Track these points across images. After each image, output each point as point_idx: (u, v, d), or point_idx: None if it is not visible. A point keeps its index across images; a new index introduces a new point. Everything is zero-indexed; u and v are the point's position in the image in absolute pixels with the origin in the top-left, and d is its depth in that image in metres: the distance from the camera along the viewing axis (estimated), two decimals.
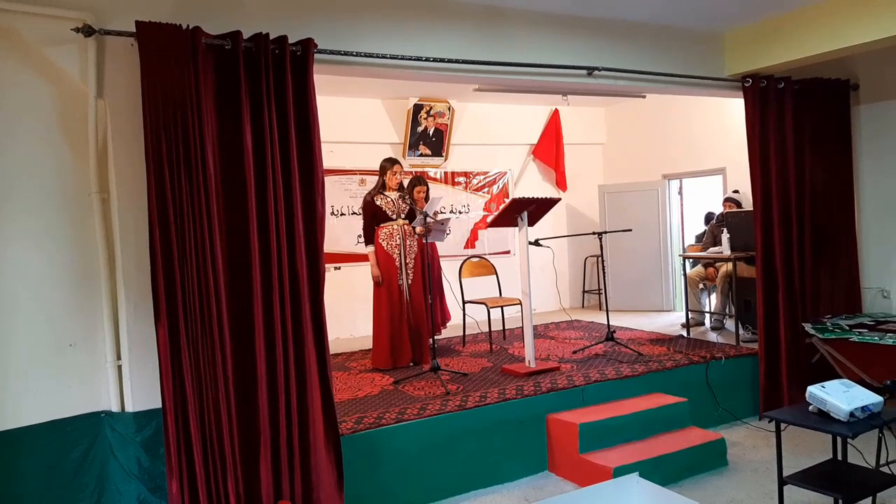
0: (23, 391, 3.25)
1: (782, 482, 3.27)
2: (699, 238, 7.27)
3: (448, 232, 5.83)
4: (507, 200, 6.24)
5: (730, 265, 6.13)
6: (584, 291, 8.86)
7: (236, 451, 3.29)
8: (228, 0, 3.57)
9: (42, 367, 3.30)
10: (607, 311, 6.02)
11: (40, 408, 3.27)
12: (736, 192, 6.89)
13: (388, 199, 5.46)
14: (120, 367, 3.39)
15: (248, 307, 3.38)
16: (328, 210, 6.57)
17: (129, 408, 3.38)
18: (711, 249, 6.57)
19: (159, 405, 3.23)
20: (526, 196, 5.03)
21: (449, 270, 6.08)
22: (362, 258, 5.86)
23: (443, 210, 7.75)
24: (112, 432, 3.37)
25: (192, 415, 3.20)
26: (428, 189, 5.93)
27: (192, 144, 3.22)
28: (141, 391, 3.37)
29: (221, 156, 3.36)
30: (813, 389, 3.20)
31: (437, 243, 5.82)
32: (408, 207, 5.51)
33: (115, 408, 3.39)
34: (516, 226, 5.07)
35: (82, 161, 3.36)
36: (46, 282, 3.32)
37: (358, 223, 5.79)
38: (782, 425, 3.28)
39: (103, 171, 3.37)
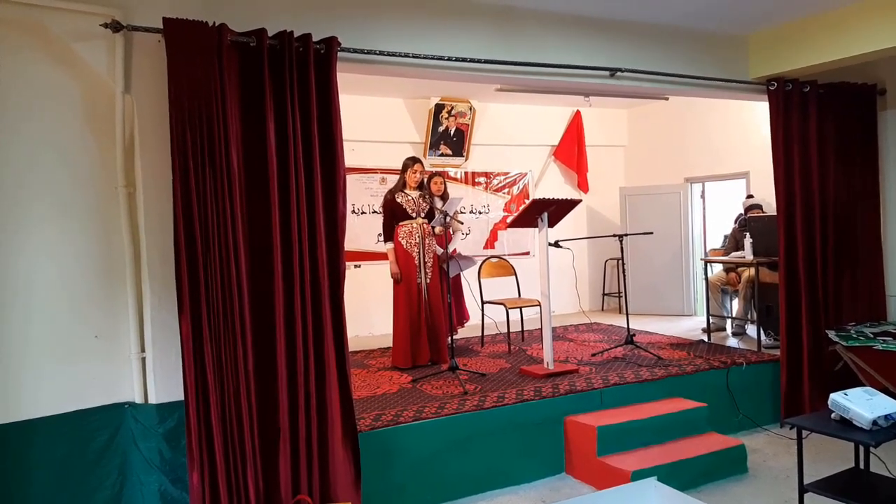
0: (48, 381, 3.30)
1: (803, 490, 3.24)
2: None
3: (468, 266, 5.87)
4: (528, 201, 6.23)
5: (752, 270, 6.07)
6: (603, 294, 8.82)
7: (256, 444, 3.32)
8: None
9: (68, 357, 3.34)
10: (627, 314, 5.99)
11: (65, 397, 3.32)
12: (750, 196, 6.85)
13: (409, 198, 5.47)
14: (144, 359, 3.44)
15: (270, 303, 3.41)
16: (349, 208, 6.61)
17: (152, 399, 3.43)
18: (733, 254, 6.51)
19: (181, 397, 3.27)
20: (546, 197, 5.02)
21: (468, 271, 6.09)
22: (382, 256, 5.88)
23: (462, 210, 7.76)
24: (135, 423, 3.41)
25: (213, 407, 3.23)
26: (445, 180, 5.96)
27: (217, 140, 3.25)
28: (164, 383, 3.42)
29: (245, 152, 3.39)
30: (835, 397, 3.17)
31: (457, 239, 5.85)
32: (428, 206, 5.52)
33: (139, 399, 3.44)
34: (536, 227, 5.06)
35: (109, 155, 3.41)
36: (73, 273, 3.37)
37: (378, 222, 5.83)
38: (804, 433, 3.25)
39: (130, 166, 3.42)
